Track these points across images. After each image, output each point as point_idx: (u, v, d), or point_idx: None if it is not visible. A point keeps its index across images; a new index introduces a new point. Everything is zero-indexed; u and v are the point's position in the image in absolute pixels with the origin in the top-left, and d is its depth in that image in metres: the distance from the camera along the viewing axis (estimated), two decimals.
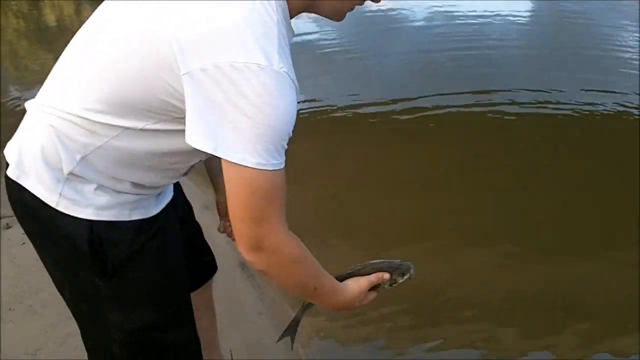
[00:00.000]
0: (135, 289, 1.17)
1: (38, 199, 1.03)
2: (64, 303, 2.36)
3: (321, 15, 1.01)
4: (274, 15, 0.87)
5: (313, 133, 3.94)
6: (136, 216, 1.11)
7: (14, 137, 1.12)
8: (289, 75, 0.86)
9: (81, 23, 1.09)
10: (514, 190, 2.92)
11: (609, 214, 2.58)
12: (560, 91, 4.12)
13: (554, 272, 2.26)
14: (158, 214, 1.17)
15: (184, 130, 0.89)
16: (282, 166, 0.90)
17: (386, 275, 1.11)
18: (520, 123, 3.76)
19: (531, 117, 3.82)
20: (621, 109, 3.81)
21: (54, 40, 8.29)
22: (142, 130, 0.96)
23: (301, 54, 5.59)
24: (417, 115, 3.99)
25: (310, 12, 1.00)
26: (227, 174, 0.88)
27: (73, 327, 2.16)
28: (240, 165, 0.85)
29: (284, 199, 0.94)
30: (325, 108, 4.40)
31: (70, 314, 2.24)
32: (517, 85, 4.40)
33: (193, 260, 1.41)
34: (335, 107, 4.38)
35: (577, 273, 2.26)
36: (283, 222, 0.94)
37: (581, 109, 3.82)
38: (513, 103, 4.03)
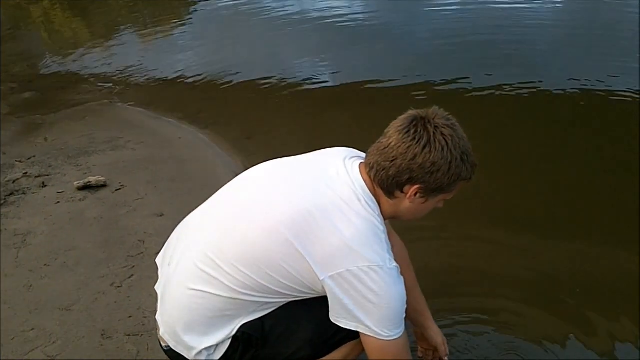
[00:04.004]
0: None
1: None
2: (95, 261, 2.48)
3: (402, 220, 1.27)
4: (381, 226, 1.16)
5: (341, 105, 3.94)
6: None
7: None
8: (398, 268, 1.15)
9: None
10: (539, 171, 2.90)
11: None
12: (596, 77, 3.97)
13: (573, 254, 2.25)
14: None
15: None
16: (403, 331, 1.18)
17: None
18: (551, 105, 3.69)
19: (563, 98, 3.74)
20: None
21: (86, 7, 8.37)
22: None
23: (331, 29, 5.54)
24: (442, 93, 3.94)
25: (393, 219, 1.27)
26: (365, 342, 1.18)
27: (104, 286, 2.27)
28: (375, 337, 1.15)
29: (409, 348, 1.27)
30: (355, 82, 4.36)
31: (102, 274, 2.36)
32: (551, 67, 4.29)
33: None
34: (364, 82, 4.34)
35: (595, 255, 2.25)
36: None
37: (615, 93, 3.71)
38: (544, 85, 3.94)
